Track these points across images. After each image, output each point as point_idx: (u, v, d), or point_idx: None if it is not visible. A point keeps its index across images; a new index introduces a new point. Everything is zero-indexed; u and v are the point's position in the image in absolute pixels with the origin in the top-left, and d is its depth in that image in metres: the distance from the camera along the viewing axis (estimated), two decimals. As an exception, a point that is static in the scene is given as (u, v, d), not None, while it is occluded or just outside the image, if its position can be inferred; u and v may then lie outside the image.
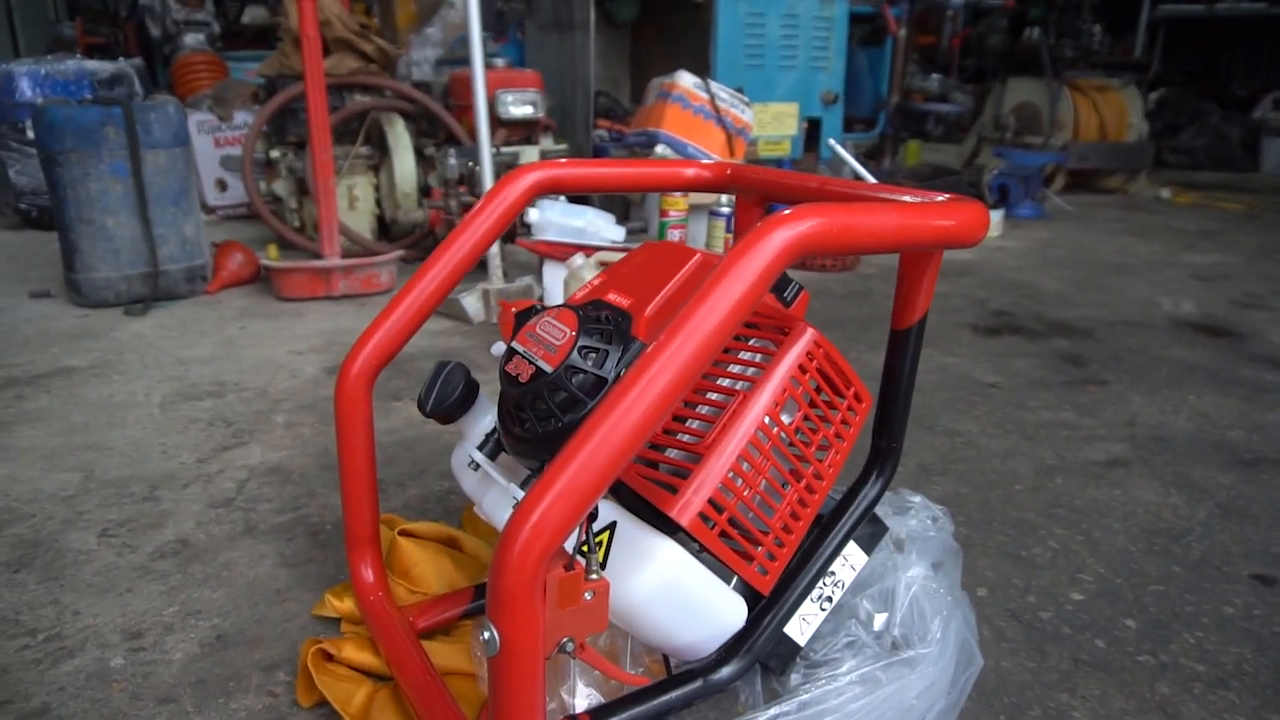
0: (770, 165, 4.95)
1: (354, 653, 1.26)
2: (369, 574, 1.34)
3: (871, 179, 4.68)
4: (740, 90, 4.38)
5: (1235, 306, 3.59)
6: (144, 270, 3.11)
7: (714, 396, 1.03)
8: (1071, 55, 6.58)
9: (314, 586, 1.53)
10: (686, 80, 3.96)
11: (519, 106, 3.93)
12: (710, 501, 0.96)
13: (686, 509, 0.95)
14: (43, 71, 4.26)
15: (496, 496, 1.12)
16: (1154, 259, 4.52)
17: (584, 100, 4.66)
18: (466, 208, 3.42)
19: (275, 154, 3.87)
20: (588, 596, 0.84)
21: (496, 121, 3.90)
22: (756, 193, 1.42)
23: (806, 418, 1.05)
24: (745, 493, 0.99)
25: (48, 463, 1.98)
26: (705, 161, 1.49)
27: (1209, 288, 3.92)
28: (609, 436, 0.78)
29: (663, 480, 0.99)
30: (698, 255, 1.11)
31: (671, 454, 1.03)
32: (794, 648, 1.18)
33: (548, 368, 1.02)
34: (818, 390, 1.06)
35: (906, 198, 1.06)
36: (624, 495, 1.04)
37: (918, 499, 1.51)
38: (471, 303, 3.02)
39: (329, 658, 1.26)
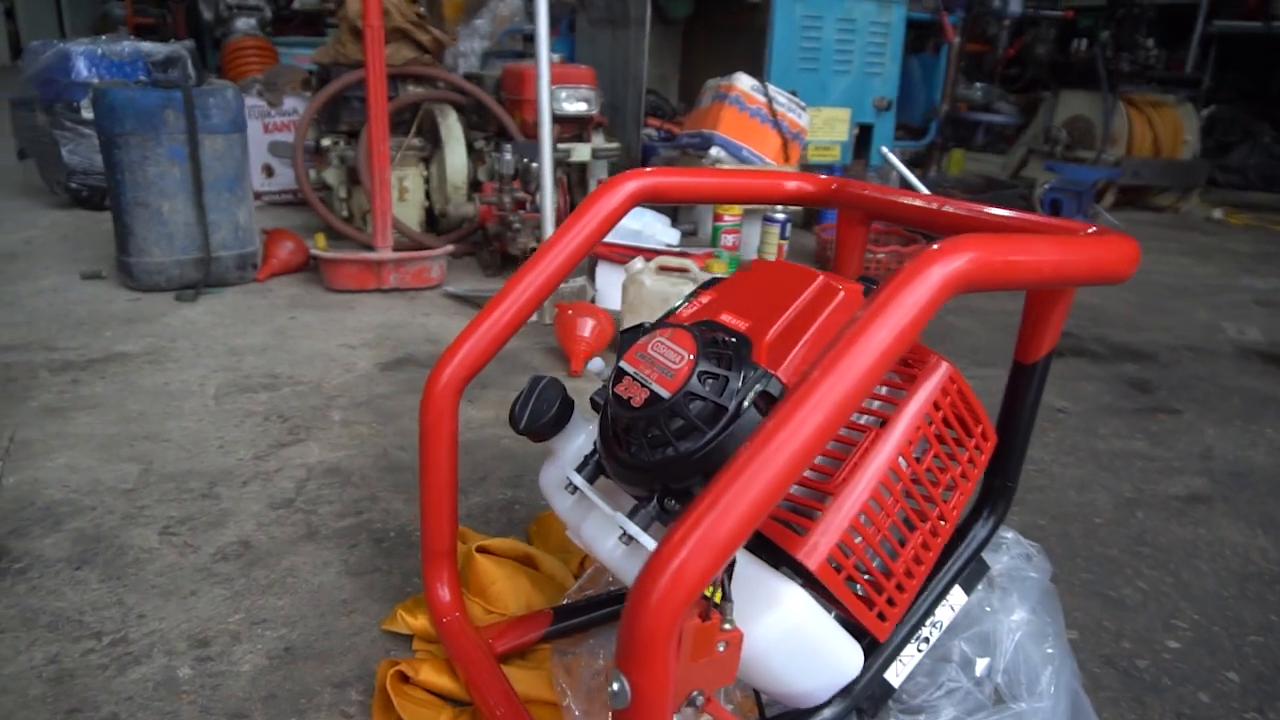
0: (820, 171, 4.87)
1: (431, 675, 1.21)
2: (445, 593, 1.30)
3: (923, 188, 4.59)
4: (794, 93, 4.30)
5: (1304, 336, 3.48)
6: (196, 256, 3.09)
7: (843, 432, 0.97)
8: (1128, 69, 6.43)
9: (380, 598, 1.48)
10: (744, 82, 3.89)
11: (573, 103, 3.87)
12: (838, 544, 0.90)
13: (814, 552, 0.89)
14: (99, 51, 4.25)
15: (597, 523, 1.07)
16: (1212, 282, 4.40)
17: (635, 98, 4.60)
18: (519, 204, 3.37)
19: (326, 142, 3.84)
20: (720, 648, 0.79)
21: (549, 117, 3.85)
22: (862, 210, 1.36)
23: (936, 456, 0.99)
24: (873, 535, 0.93)
25: (106, 452, 1.95)
26: (809, 175, 1.42)
27: (1273, 314, 3.80)
28: (755, 480, 0.72)
29: (788, 519, 0.93)
30: (820, 279, 1.05)
31: (794, 490, 0.97)
32: (888, 689, 1.12)
33: (664, 393, 0.95)
34: (948, 426, 1.00)
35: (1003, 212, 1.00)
36: None
37: (1010, 535, 1.44)
38: (524, 302, 2.96)
39: (405, 679, 1.22)
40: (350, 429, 2.13)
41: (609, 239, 3.09)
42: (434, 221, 3.96)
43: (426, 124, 3.88)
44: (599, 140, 4.10)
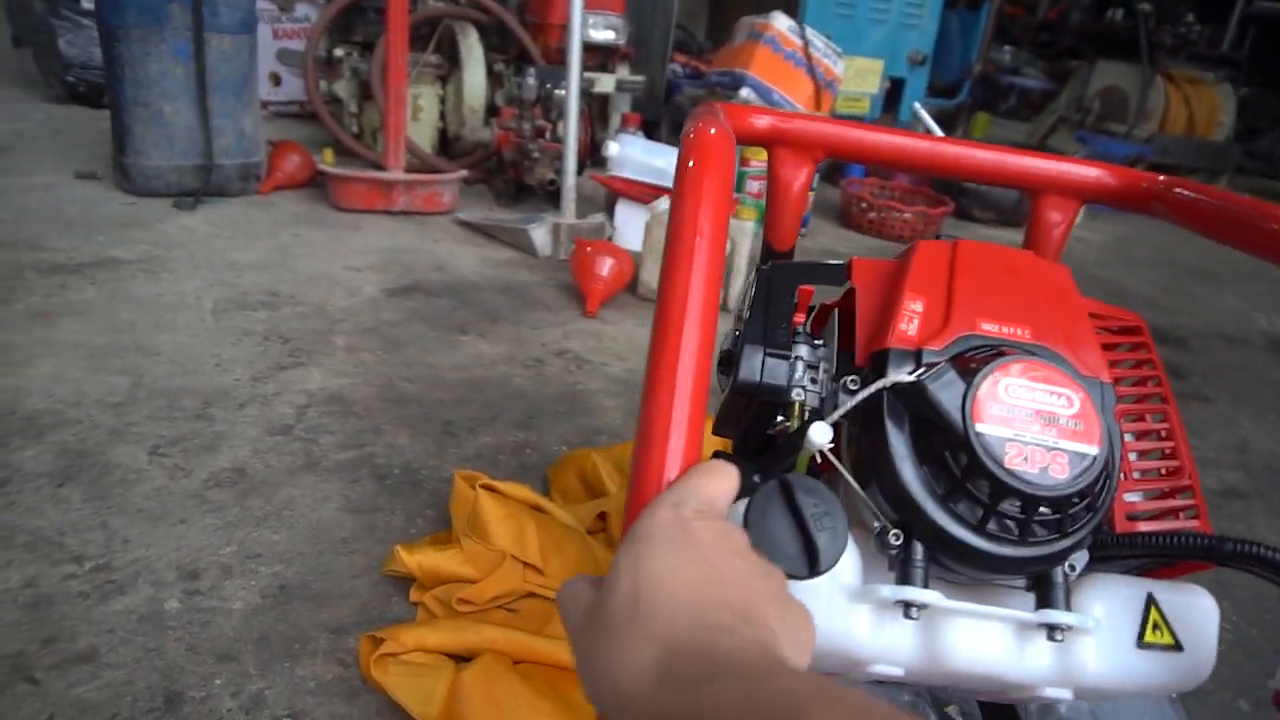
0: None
1: (424, 635, 1.12)
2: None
3: (955, 150, 4.43)
4: (829, 39, 4.11)
5: (1335, 331, 3.39)
6: (197, 162, 2.93)
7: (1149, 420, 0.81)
8: (1170, 43, 6.22)
9: (382, 539, 1.39)
10: (781, 23, 3.70)
11: (601, 30, 3.69)
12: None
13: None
14: (102, -64, 4.01)
15: (973, 631, 0.73)
16: (1240, 269, 4.29)
17: (663, 32, 4.41)
18: (539, 132, 3.21)
19: (339, 53, 3.65)
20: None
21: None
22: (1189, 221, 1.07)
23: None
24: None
25: (93, 363, 1.83)
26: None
27: (1303, 307, 3.71)
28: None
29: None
30: (1063, 271, 0.85)
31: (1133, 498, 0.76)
32: None
33: (1091, 450, 0.68)
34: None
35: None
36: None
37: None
38: (540, 235, 2.83)
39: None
40: (354, 355, 2.02)
41: (632, 176, 2.95)
42: (447, 145, 3.79)
43: (445, 41, 3.69)
44: (624, 72, 3.93)
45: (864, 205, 3.84)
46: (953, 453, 0.63)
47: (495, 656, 1.11)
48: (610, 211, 3.05)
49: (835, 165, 4.71)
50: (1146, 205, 1.04)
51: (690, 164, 0.66)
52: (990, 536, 0.72)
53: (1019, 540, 0.71)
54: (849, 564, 0.68)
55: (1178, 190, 0.96)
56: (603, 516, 1.37)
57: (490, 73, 3.74)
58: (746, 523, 0.54)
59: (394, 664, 1.09)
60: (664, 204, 2.55)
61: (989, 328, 0.72)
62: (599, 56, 3.81)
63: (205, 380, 1.82)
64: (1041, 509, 0.69)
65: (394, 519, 1.45)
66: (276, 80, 4.51)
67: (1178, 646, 0.61)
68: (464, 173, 3.25)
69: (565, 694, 1.09)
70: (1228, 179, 6.62)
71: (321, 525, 1.41)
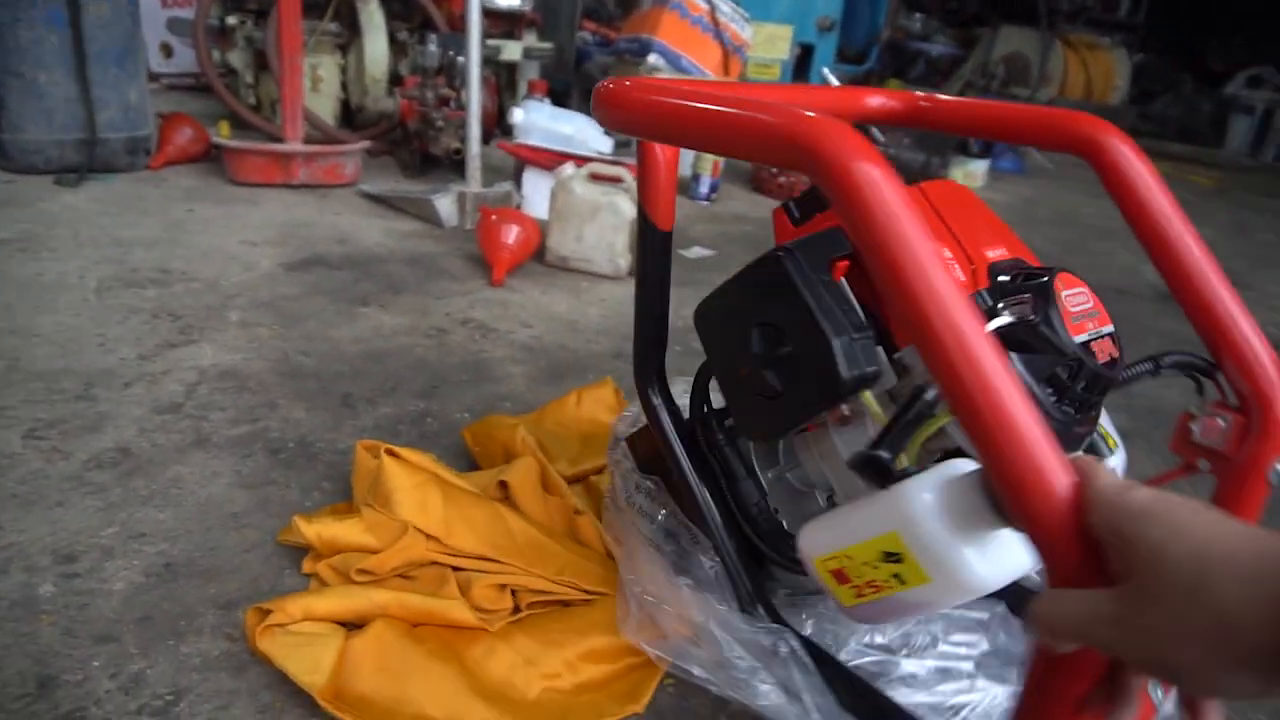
0: (759, 90, 4.73)
1: (313, 603, 1.10)
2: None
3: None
4: (737, 3, 4.12)
5: (1217, 281, 3.56)
6: (79, 136, 2.79)
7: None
8: (1067, 8, 6.42)
9: (276, 513, 1.36)
10: (688, -13, 3.69)
11: (505, -3, 3.63)
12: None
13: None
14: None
15: None
16: (1134, 225, 4.48)
17: (571, -1, 4.36)
18: (443, 101, 3.15)
19: (231, 21, 3.51)
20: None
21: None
22: (949, 128, 1.24)
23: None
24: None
25: (-36, 345, 1.74)
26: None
27: (1189, 260, 3.89)
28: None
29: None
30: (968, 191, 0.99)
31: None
32: None
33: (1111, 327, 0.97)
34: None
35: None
36: None
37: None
38: (445, 205, 2.79)
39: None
40: (249, 330, 1.96)
41: (539, 143, 2.92)
42: (350, 116, 3.69)
43: (344, 9, 3.58)
44: (531, 39, 3.87)
45: (774, 170, 3.88)
46: (1064, 367, 0.86)
47: (388, 621, 1.10)
48: (518, 180, 3.02)
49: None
50: (922, 119, 1.20)
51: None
52: (1084, 422, 0.93)
53: (1091, 415, 0.93)
54: None
55: (944, 107, 1.14)
56: (504, 485, 1.36)
57: (393, 41, 3.65)
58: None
59: (281, 634, 1.07)
60: (569, 170, 2.54)
61: (991, 254, 0.86)
62: (505, 23, 3.75)
63: (88, 360, 1.75)
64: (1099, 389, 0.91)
65: (288, 492, 1.42)
66: (168, 51, 4.32)
67: None
68: (366, 143, 3.17)
69: (461, 653, 1.09)
70: (1124, 140, 6.88)
71: (211, 501, 1.37)
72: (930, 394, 0.85)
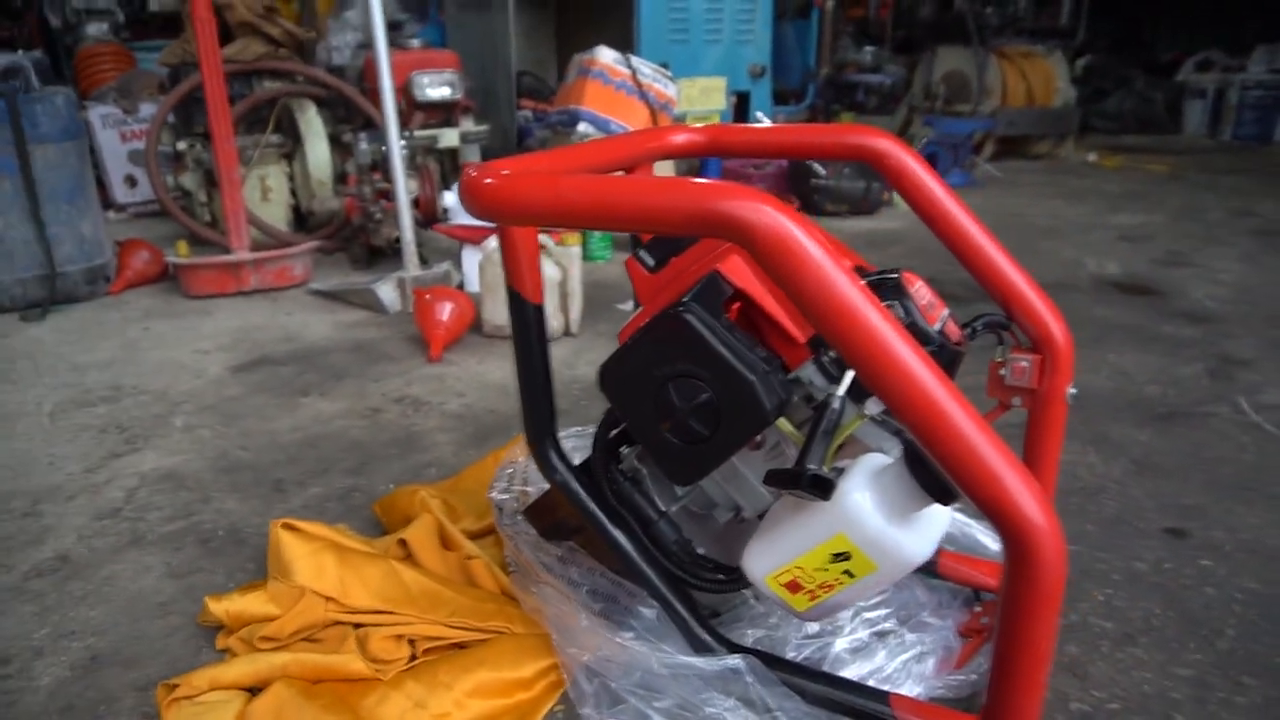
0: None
1: (219, 673, 1.18)
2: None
3: (801, 151, 4.65)
4: (665, 65, 4.31)
5: (1157, 265, 3.63)
6: (39, 273, 2.95)
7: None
8: (997, 23, 6.61)
9: (199, 597, 1.44)
10: (606, 55, 3.88)
11: (436, 88, 3.82)
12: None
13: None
14: (-70, 66, 4.04)
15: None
16: (1081, 221, 4.56)
17: (506, 80, 4.56)
18: (381, 194, 3.31)
19: (182, 146, 3.71)
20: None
21: (413, 104, 3.79)
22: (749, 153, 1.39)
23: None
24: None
25: (-79, 481, 1.85)
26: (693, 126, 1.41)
27: (1134, 248, 3.96)
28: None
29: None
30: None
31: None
32: None
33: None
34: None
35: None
36: None
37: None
38: (387, 292, 2.92)
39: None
40: (192, 433, 2.07)
41: (469, 222, 3.06)
42: (302, 220, 3.87)
43: (286, 120, 3.78)
44: (468, 124, 4.05)
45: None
46: (933, 352, 1.01)
47: (287, 681, 1.18)
48: (459, 259, 3.16)
49: (693, 173, 4.90)
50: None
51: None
52: None
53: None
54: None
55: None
56: (403, 544, 1.45)
57: (338, 143, 3.84)
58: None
59: (187, 705, 1.15)
60: (493, 243, 2.66)
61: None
62: (440, 113, 3.94)
63: (37, 480, 1.86)
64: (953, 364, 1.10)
65: (214, 577, 1.51)
66: (133, 182, 4.54)
67: None
68: (313, 244, 3.33)
69: (355, 705, 1.16)
70: (1074, 139, 7.01)
71: (140, 594, 1.46)
72: (835, 404, 0.95)
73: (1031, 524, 0.80)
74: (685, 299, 1.03)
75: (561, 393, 2.27)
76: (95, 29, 5.70)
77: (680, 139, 1.36)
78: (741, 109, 5.18)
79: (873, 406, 1.02)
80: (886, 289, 1.08)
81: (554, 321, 2.63)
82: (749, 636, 1.24)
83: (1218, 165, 6.51)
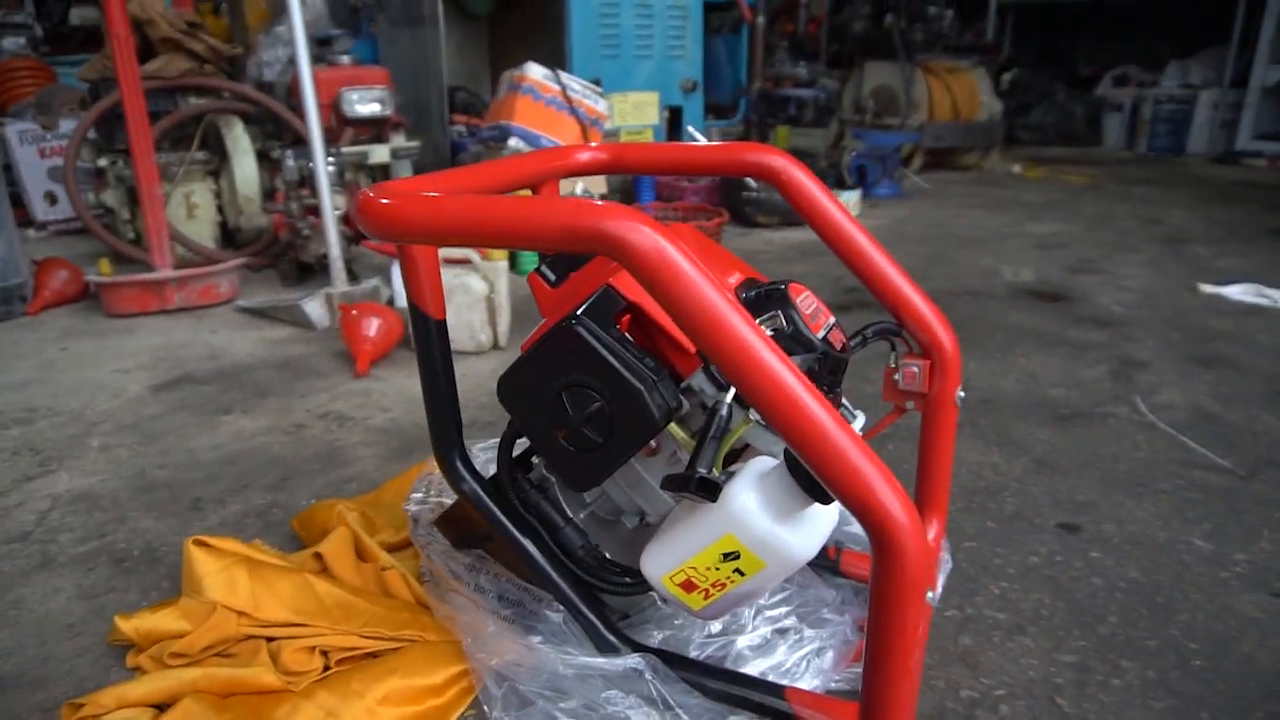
0: (634, 155, 4.96)
1: (126, 691, 1.18)
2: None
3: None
4: (597, 81, 4.37)
5: (1069, 272, 3.79)
6: (-49, 294, 2.89)
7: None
8: (923, 39, 6.82)
9: (111, 617, 1.43)
10: (536, 72, 3.92)
11: (365, 104, 3.81)
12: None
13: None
14: None
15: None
16: (1001, 230, 4.73)
17: (438, 96, 4.57)
18: (310, 210, 3.30)
19: (103, 162, 3.65)
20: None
21: (343, 120, 3.78)
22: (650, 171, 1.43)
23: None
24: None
25: None
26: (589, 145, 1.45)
27: (1048, 255, 4.12)
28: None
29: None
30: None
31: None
32: None
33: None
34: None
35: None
36: None
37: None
38: (315, 308, 2.91)
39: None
40: (108, 453, 2.05)
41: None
42: (230, 236, 3.83)
43: (212, 136, 3.74)
44: (399, 140, 4.05)
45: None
46: (816, 360, 1.08)
47: (196, 696, 1.19)
48: (389, 275, 3.16)
49: (627, 189, 4.97)
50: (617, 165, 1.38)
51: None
52: (836, 401, 1.17)
53: (838, 393, 1.17)
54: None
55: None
56: (318, 557, 1.46)
57: (268, 159, 3.81)
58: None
59: (95, 723, 1.15)
60: (420, 258, 2.68)
61: (732, 280, 1.11)
62: (371, 129, 3.93)
63: (-56, 505, 1.82)
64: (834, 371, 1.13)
65: (127, 596, 1.50)
66: (53, 199, 4.44)
67: None
68: (238, 261, 3.30)
69: (266, 717, 1.18)
70: (1000, 151, 7.26)
71: (49, 616, 1.45)
72: (723, 411, 1.00)
73: (893, 520, 0.85)
74: (578, 312, 1.07)
75: (488, 405, 2.30)
76: (11, 43, 5.55)
77: (584, 157, 1.41)
78: (674, 124, 5.26)
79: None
80: (773, 300, 1.14)
81: (482, 335, 2.66)
82: (655, 637, 1.28)
83: (1133, 176, 6.80)
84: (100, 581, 1.54)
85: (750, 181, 4.79)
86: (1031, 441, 2.10)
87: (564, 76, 3.97)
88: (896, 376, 1.38)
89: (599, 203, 0.88)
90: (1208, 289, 3.50)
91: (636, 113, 5.00)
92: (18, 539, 1.69)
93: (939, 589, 1.43)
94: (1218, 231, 4.69)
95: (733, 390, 1.04)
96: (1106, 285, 3.56)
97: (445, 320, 1.20)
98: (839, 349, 1.16)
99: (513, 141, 3.84)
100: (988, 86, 7.03)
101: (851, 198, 4.96)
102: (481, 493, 1.23)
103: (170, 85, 3.60)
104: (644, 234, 0.84)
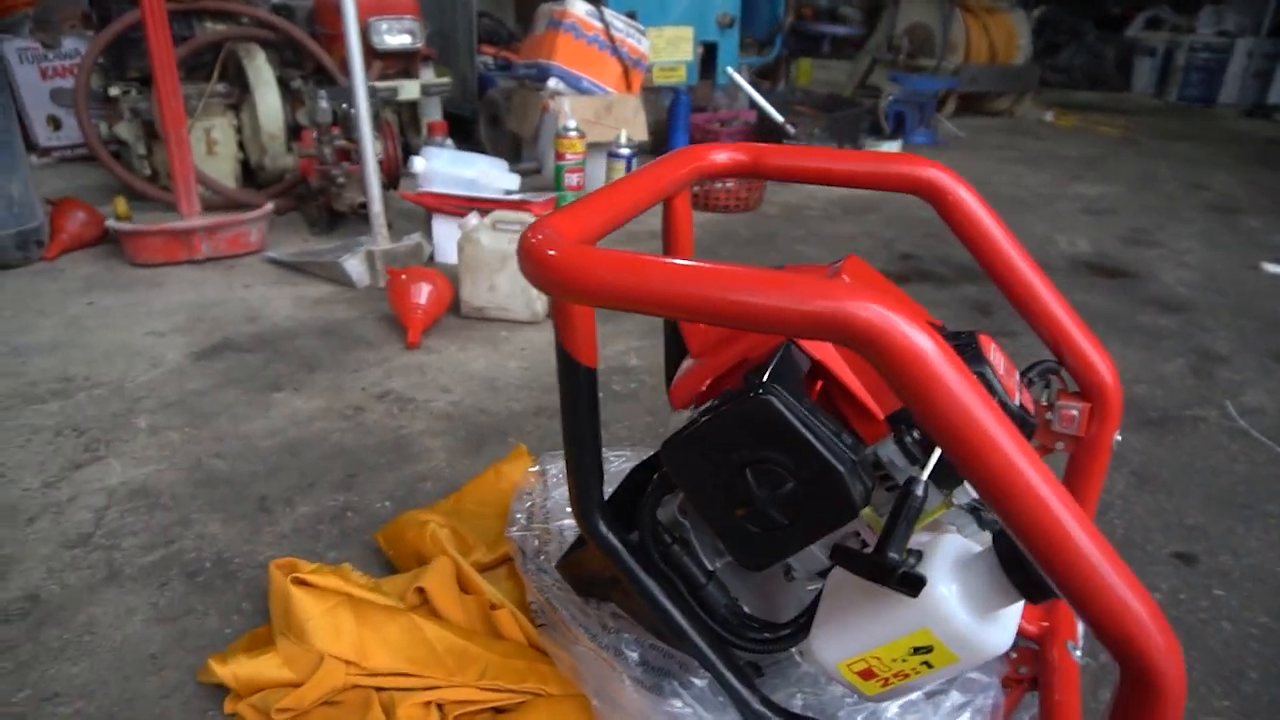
0: (666, 92, 4.73)
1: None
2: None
3: (773, 110, 4.53)
4: (633, 15, 4.11)
5: (1125, 244, 3.66)
6: (-37, 238, 2.70)
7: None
8: (962, -26, 6.51)
9: (194, 646, 1.34)
10: (579, 8, 3.67)
11: (395, 35, 3.57)
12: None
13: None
14: None
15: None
16: (1045, 191, 4.57)
17: (466, 25, 4.30)
18: (343, 154, 3.10)
19: (115, 91, 3.40)
20: None
21: (371, 53, 3.54)
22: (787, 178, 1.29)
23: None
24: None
25: None
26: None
27: (1099, 223, 3.99)
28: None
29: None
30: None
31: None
32: None
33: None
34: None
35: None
36: None
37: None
38: (355, 266, 2.75)
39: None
40: (158, 436, 1.92)
41: (442, 189, 2.89)
42: (251, 175, 3.62)
43: (231, 67, 3.50)
44: (429, 75, 3.82)
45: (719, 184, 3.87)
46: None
47: (311, 761, 1.10)
48: (429, 228, 2.99)
49: (660, 130, 4.75)
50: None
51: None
52: None
53: None
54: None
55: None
56: (420, 591, 1.35)
57: (289, 91, 3.57)
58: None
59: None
60: (473, 221, 2.52)
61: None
62: (399, 62, 3.70)
63: (-10, 496, 1.70)
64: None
65: (207, 620, 1.40)
66: (56, 124, 4.18)
67: None
68: (270, 207, 3.10)
69: (386, 782, 1.09)
70: (1032, 96, 7.02)
71: (126, 644, 1.35)
72: (918, 489, 0.88)
73: (1156, 654, 0.75)
74: (765, 378, 0.95)
75: (553, 386, 2.18)
76: (4, -55, 5.16)
77: (722, 158, 1.26)
78: (708, 61, 5.00)
79: (961, 496, 0.97)
80: (967, 357, 1.02)
81: (538, 304, 2.52)
82: (798, 700, 1.20)
83: (1168, 130, 6.60)
84: (176, 600, 1.44)
85: (788, 128, 4.58)
86: (1128, 449, 2.01)
87: (608, 13, 3.72)
88: (1050, 416, 1.27)
89: (838, 280, 0.75)
90: (1271, 268, 3.40)
91: (670, 48, 4.73)
92: (78, 543, 1.57)
93: (1079, 639, 1.36)
94: (1264, 200, 4.55)
95: (929, 468, 0.92)
96: (1166, 261, 3.44)
97: (596, 369, 1.07)
98: (1032, 413, 1.05)
99: (552, 82, 3.61)
100: (1026, 29, 6.75)
101: (893, 147, 4.77)
102: (624, 552, 1.12)
103: (187, 8, 3.34)
104: (900, 328, 0.71)
